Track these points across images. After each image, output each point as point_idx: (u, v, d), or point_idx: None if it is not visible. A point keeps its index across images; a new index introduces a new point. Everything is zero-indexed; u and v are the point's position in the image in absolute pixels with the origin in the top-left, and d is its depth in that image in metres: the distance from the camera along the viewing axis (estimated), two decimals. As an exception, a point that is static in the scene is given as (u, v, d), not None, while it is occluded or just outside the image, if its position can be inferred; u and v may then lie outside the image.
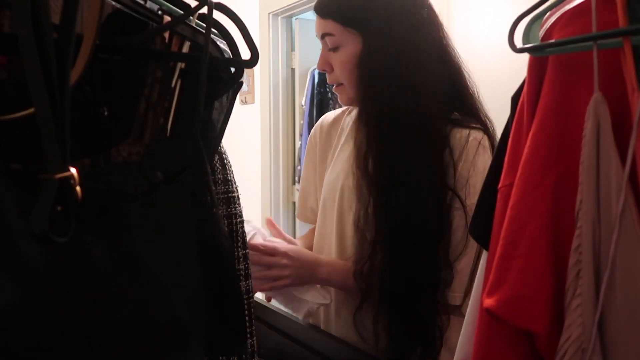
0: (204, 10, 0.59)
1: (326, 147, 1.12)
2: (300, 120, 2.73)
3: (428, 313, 0.90)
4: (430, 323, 0.90)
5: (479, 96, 0.95)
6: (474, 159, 0.88)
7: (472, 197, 0.87)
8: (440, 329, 0.91)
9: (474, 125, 0.90)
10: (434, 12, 0.95)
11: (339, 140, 1.09)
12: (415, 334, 0.91)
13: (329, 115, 1.17)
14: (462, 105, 0.94)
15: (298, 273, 0.96)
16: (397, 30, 0.88)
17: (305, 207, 1.19)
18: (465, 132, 0.89)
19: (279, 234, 1.04)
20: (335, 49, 0.94)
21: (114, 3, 0.55)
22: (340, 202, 1.00)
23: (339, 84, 0.98)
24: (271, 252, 0.95)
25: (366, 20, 0.90)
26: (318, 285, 0.99)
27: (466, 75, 0.95)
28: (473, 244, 0.88)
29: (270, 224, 1.08)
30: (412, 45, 0.88)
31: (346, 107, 1.12)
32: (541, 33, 0.56)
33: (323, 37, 0.95)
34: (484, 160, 0.88)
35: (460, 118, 0.92)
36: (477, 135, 0.89)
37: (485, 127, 0.91)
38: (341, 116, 1.12)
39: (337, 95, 1.11)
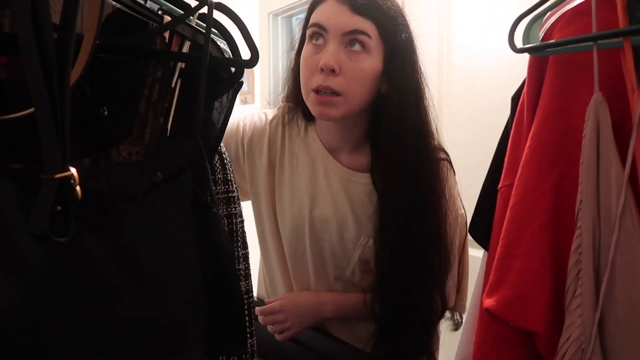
0: (204, 10, 0.59)
1: (260, 161, 0.98)
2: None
3: (426, 337, 0.93)
4: (427, 344, 0.93)
5: (434, 114, 0.94)
6: (449, 185, 0.91)
7: (448, 218, 0.89)
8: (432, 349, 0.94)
9: (442, 157, 0.92)
10: None
11: (283, 162, 0.97)
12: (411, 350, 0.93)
13: (260, 123, 1.00)
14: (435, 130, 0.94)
15: (300, 320, 0.97)
16: (415, 59, 0.87)
17: None
18: (442, 164, 0.92)
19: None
20: (358, 52, 0.82)
21: (114, 3, 0.55)
22: (311, 232, 0.95)
23: (334, 94, 0.83)
24: (268, 312, 0.98)
25: (400, 40, 0.84)
26: None
27: (430, 104, 0.93)
28: (455, 263, 0.92)
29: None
30: (418, 73, 0.88)
31: (275, 122, 0.98)
32: (541, 33, 0.56)
33: (351, 33, 0.81)
34: (453, 183, 0.93)
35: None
36: (444, 163, 0.92)
37: (445, 152, 0.94)
38: (279, 131, 0.98)
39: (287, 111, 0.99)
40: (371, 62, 0.83)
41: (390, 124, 0.85)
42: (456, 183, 0.95)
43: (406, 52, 0.85)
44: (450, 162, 0.94)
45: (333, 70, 0.81)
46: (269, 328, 0.99)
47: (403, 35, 0.85)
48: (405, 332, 0.89)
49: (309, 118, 0.96)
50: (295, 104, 0.97)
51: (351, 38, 0.82)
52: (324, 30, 0.83)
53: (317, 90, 0.83)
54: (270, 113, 1.01)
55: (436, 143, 0.92)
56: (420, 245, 0.85)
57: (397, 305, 0.88)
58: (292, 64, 0.95)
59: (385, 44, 0.83)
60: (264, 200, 0.98)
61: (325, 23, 0.83)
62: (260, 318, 0.99)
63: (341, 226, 0.93)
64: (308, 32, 0.87)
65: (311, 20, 0.86)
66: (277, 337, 0.99)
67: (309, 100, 0.86)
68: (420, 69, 0.88)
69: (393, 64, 0.83)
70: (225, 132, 0.64)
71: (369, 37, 0.81)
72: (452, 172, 0.95)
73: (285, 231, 0.98)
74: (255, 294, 1.04)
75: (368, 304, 0.90)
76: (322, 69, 0.82)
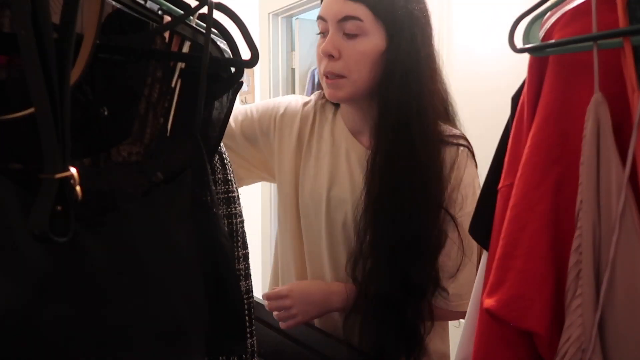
0: (204, 10, 0.59)
1: (290, 139, 1.02)
2: (300, 120, 2.72)
3: (413, 320, 0.92)
4: (415, 330, 0.92)
5: (452, 101, 0.96)
6: (464, 173, 0.91)
7: (465, 207, 0.90)
8: (422, 336, 0.93)
9: (460, 143, 0.93)
10: None
11: (311, 143, 1.01)
12: (400, 340, 0.92)
13: (296, 104, 1.04)
14: (446, 113, 0.95)
15: (307, 309, 0.96)
16: (420, 37, 0.88)
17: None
18: (454, 148, 0.92)
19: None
20: (354, 36, 0.86)
21: (114, 3, 0.55)
22: (327, 211, 0.98)
23: (339, 76, 0.88)
24: (275, 296, 0.96)
25: (398, 18, 0.86)
26: None
27: (445, 81, 0.95)
28: (472, 254, 0.91)
29: None
30: (427, 56, 0.89)
31: (303, 107, 1.03)
32: (541, 33, 0.56)
33: (344, 19, 0.86)
34: (472, 172, 0.93)
35: (445, 128, 0.93)
36: (463, 150, 0.93)
37: (465, 139, 0.95)
38: (307, 114, 1.02)
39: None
40: (370, 43, 0.87)
41: (387, 101, 0.87)
42: (469, 168, 0.92)
43: (405, 29, 0.86)
44: (468, 148, 0.93)
45: (333, 56, 0.87)
46: (274, 314, 0.97)
47: (401, 12, 0.86)
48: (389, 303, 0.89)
49: (335, 103, 1.02)
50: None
51: (345, 24, 0.86)
52: (324, 21, 0.89)
53: (326, 75, 0.90)
54: (307, 98, 1.07)
55: (446, 128, 0.92)
56: (402, 220, 0.87)
57: (381, 273, 0.88)
58: None
59: (385, 23, 0.86)
60: (289, 178, 1.02)
61: (324, 14, 0.89)
62: (266, 303, 0.96)
63: (356, 207, 0.93)
64: (318, 27, 0.92)
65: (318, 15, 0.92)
66: (281, 324, 0.97)
67: (323, 84, 0.93)
68: (429, 45, 0.89)
69: (393, 42, 0.86)
70: (264, 107, 0.73)
71: (361, 20, 0.85)
72: (470, 160, 0.93)
73: (303, 209, 1.01)
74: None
75: (349, 271, 0.91)
76: (323, 55, 0.89)
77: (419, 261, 0.89)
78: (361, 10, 0.85)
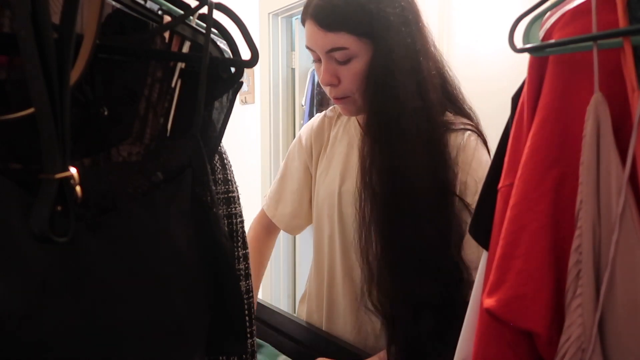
0: (204, 10, 0.59)
1: (316, 151, 1.11)
2: (300, 120, 2.73)
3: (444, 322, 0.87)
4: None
5: (460, 89, 0.96)
6: (473, 156, 0.89)
7: (479, 191, 0.87)
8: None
9: (468, 128, 0.92)
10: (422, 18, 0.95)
11: (327, 145, 1.08)
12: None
13: (315, 120, 1.14)
14: (453, 104, 0.95)
15: None
16: (404, 37, 0.87)
17: (276, 208, 1.15)
18: (460, 133, 0.91)
19: None
20: (346, 61, 0.89)
21: (114, 3, 0.55)
22: (339, 206, 1.00)
23: (345, 97, 0.93)
24: None
25: (381, 29, 0.86)
26: None
27: (448, 71, 0.96)
28: None
29: None
30: (415, 53, 0.88)
31: (330, 111, 1.11)
32: (541, 33, 0.56)
33: (331, 51, 0.88)
34: (480, 154, 0.90)
35: (454, 118, 0.93)
36: (471, 135, 0.92)
37: (476, 126, 0.94)
38: (329, 120, 1.10)
39: None
40: (361, 62, 0.89)
41: (384, 96, 0.87)
42: (478, 151, 0.91)
43: (388, 37, 0.86)
44: (477, 135, 0.92)
45: (332, 84, 0.91)
46: None
47: (379, 23, 0.86)
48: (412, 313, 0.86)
49: None
50: None
51: (334, 54, 0.89)
52: (313, 52, 0.93)
53: (334, 98, 0.95)
54: (320, 115, 1.15)
55: (456, 118, 0.92)
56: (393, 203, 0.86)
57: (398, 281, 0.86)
58: None
59: (367, 39, 0.87)
60: (313, 180, 1.10)
61: (310, 45, 0.93)
62: None
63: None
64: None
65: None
66: None
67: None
68: (420, 40, 0.89)
69: (376, 54, 0.87)
70: (289, 151, 0.93)
71: (347, 48, 0.87)
72: (480, 144, 0.91)
73: (317, 206, 1.06)
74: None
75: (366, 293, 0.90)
76: (325, 86, 0.93)
77: (445, 259, 0.86)
78: (344, 39, 0.86)
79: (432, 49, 0.93)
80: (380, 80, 0.86)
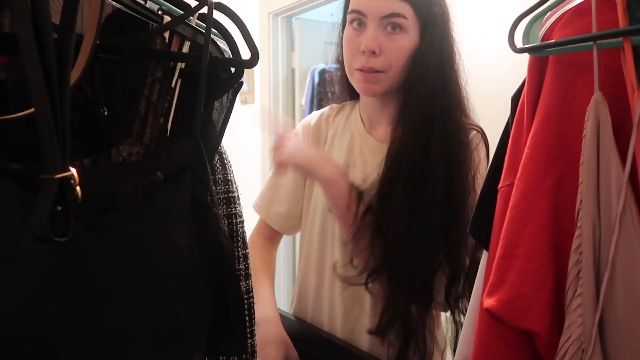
0: (204, 10, 0.59)
1: (320, 140, 1.10)
2: (300, 120, 2.73)
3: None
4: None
5: (467, 90, 0.97)
6: (478, 156, 0.93)
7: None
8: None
9: (474, 128, 0.95)
10: None
11: (325, 143, 1.07)
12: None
13: (313, 117, 1.12)
14: (466, 110, 0.97)
15: (298, 146, 0.95)
16: (448, 31, 0.92)
17: (269, 207, 1.13)
18: (471, 132, 0.94)
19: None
20: (396, 32, 0.89)
21: (114, 3, 0.55)
22: None
23: (378, 71, 0.90)
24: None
25: (432, 17, 0.89)
26: None
27: (461, 74, 0.97)
28: None
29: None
30: (453, 48, 0.93)
31: (328, 109, 1.10)
32: (541, 33, 0.56)
33: (389, 16, 0.88)
34: (480, 154, 0.94)
35: (466, 121, 0.95)
36: (477, 133, 0.95)
37: (482, 129, 0.96)
38: (326, 119, 1.10)
39: (337, 95, 1.09)
40: (409, 40, 0.90)
41: (414, 95, 0.89)
42: (480, 151, 0.94)
43: (438, 26, 0.90)
44: (482, 135, 0.95)
45: (374, 52, 0.89)
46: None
47: (436, 10, 0.90)
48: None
49: (353, 96, 1.06)
50: (342, 82, 1.06)
51: (389, 21, 0.88)
52: (363, 16, 0.90)
53: (362, 70, 0.91)
54: (317, 114, 1.13)
55: (469, 121, 0.94)
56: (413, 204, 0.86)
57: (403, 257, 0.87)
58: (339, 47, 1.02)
59: (421, 21, 0.89)
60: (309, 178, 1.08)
61: (363, 9, 0.90)
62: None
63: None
64: (348, 17, 0.93)
65: (350, 7, 0.93)
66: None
67: (354, 79, 0.94)
68: (452, 42, 0.93)
69: (425, 39, 0.89)
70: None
71: (406, 18, 0.88)
72: (482, 144, 0.94)
73: (313, 200, 1.05)
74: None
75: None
76: (363, 52, 0.89)
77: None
78: (406, 8, 0.88)
79: (457, 51, 0.96)
80: (427, 63, 0.89)
